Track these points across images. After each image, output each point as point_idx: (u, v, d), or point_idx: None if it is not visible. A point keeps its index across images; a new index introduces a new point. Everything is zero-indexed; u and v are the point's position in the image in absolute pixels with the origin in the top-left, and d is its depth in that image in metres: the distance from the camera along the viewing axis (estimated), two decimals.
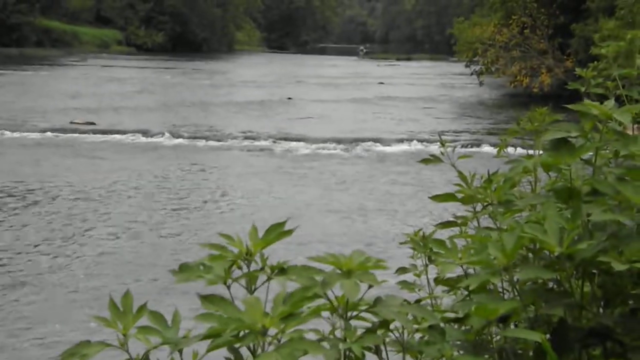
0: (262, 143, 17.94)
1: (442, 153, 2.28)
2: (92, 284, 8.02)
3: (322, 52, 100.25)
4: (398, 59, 74.86)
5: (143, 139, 17.96)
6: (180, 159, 15.74)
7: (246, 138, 18.34)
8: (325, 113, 24.17)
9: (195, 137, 18.27)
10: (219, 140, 18.07)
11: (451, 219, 2.16)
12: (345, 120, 22.50)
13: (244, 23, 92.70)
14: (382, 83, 38.70)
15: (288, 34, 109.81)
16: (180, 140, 17.99)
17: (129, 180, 13.32)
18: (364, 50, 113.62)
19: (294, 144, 17.85)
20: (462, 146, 17.19)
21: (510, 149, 2.42)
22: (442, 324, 1.65)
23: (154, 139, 18.01)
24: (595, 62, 2.27)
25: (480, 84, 32.86)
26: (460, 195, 2.09)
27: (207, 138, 18.24)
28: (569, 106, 1.99)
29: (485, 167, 2.13)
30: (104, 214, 10.91)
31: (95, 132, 18.46)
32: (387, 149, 17.64)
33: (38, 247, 9.27)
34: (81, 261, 8.81)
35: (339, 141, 18.06)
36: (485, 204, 2.05)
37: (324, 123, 21.79)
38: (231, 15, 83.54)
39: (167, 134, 18.38)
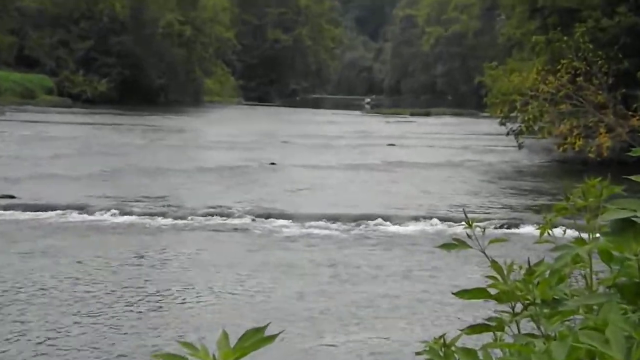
0: (237, 221, 17.95)
1: (469, 236, 2.31)
2: None
3: (316, 104, 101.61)
4: (412, 114, 75.99)
5: (79, 217, 17.94)
6: (128, 243, 15.69)
7: (216, 215, 18.37)
8: (319, 182, 24.31)
9: (149, 214, 18.28)
10: (180, 218, 18.07)
11: (482, 322, 2.15)
12: (345, 192, 22.60)
13: (214, 67, 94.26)
14: (392, 145, 39.08)
15: (271, 81, 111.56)
16: (129, 218, 17.98)
17: (55, 273, 13.21)
18: (370, 103, 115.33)
19: (277, 222, 17.88)
20: (495, 227, 17.21)
21: (557, 231, 2.43)
22: None
23: (93, 217, 17.99)
24: None
25: (519, 146, 33.29)
26: (493, 291, 2.10)
27: (165, 215, 18.25)
28: (635, 177, 2.01)
29: (524, 255, 2.14)
30: (16, 322, 10.78)
31: (14, 207, 18.44)
32: (399, 229, 17.66)
33: None
34: None
35: (336, 219, 18.10)
36: (526, 302, 2.05)
37: (316, 196, 21.87)
38: (198, 57, 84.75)
39: (112, 211, 18.39)
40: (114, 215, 18.20)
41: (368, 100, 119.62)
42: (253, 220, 18.08)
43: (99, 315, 10.99)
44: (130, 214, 18.30)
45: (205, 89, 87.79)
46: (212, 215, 18.39)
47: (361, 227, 17.70)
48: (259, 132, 44.53)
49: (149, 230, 17.14)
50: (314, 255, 15.23)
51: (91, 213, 18.29)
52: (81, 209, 18.50)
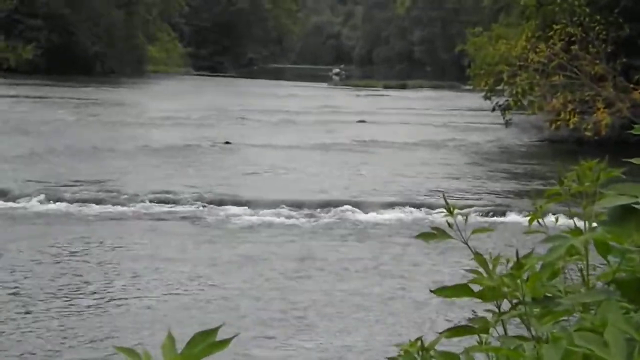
0: (185, 209, 17.90)
1: (449, 225, 2.30)
2: None
3: (277, 76, 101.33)
4: (386, 87, 76.11)
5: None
6: (58, 235, 15.57)
7: (161, 202, 18.28)
8: (280, 165, 24.28)
9: (83, 201, 18.14)
10: (120, 205, 17.97)
11: (465, 323, 2.16)
12: (309, 175, 22.60)
13: (159, 32, 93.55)
14: (363, 121, 39.08)
15: (225, 49, 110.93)
16: (59, 206, 17.83)
17: None
18: (339, 74, 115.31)
19: (232, 210, 17.85)
20: (479, 215, 17.38)
21: (549, 220, 2.45)
22: None
23: (16, 204, 17.80)
24: None
25: (507, 123, 33.52)
26: (476, 288, 2.10)
27: (101, 202, 18.13)
28: (636, 160, 2.02)
29: (512, 246, 2.15)
30: None
31: None
32: (371, 217, 17.72)
33: None
34: None
35: (299, 206, 18.11)
36: (514, 300, 2.06)
37: (277, 180, 21.85)
38: (140, 20, 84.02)
39: (38, 197, 18.23)
40: (41, 202, 18.01)
41: (336, 71, 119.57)
42: (204, 207, 18.03)
43: (22, 319, 10.89)
44: (60, 200, 18.12)
45: (148, 57, 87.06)
46: (156, 202, 18.28)
47: (328, 216, 17.72)
48: (211, 107, 44.30)
49: (82, 219, 17.00)
50: (274, 247, 15.22)
51: (14, 199, 18.07)
52: (2, 195, 18.30)
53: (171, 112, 39.84)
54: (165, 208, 17.97)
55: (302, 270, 13.72)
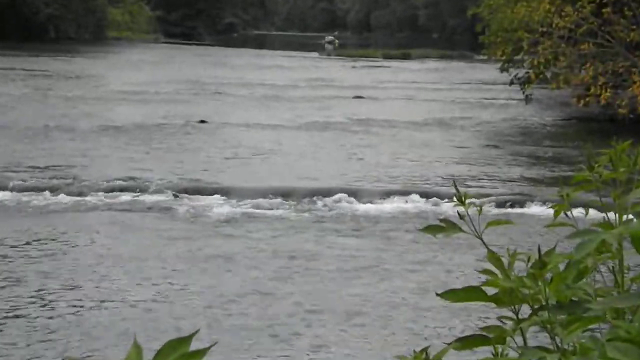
0: (154, 198, 17.89)
1: (460, 216, 2.30)
2: None
3: (260, 44, 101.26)
4: (386, 57, 76.16)
5: None
6: (4, 229, 15.54)
7: (126, 190, 18.29)
8: (264, 147, 24.29)
9: (34, 189, 18.13)
10: (77, 195, 17.95)
11: (478, 333, 2.16)
12: (298, 159, 22.62)
13: None
14: (360, 97, 39.13)
15: (199, 13, 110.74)
16: (5, 195, 17.84)
17: None
18: (332, 42, 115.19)
19: (208, 199, 17.87)
20: (495, 205, 17.44)
21: (576, 211, 2.44)
22: None
23: None
24: None
25: (527, 99, 33.48)
26: (491, 291, 2.10)
27: (56, 190, 18.11)
28: None
29: (533, 242, 2.15)
30: None
31: None
32: (369, 207, 17.75)
33: None
34: None
35: (286, 195, 18.14)
36: (536, 305, 2.05)
37: (261, 164, 21.86)
38: None
39: None
40: None
41: (329, 38, 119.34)
42: (175, 196, 18.03)
43: None
44: (5, 189, 18.13)
45: (110, 21, 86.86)
46: (120, 190, 18.29)
47: (319, 206, 17.73)
48: (183, 80, 44.26)
49: (33, 210, 16.99)
50: (257, 243, 15.21)
51: None
52: None
53: (137, 86, 39.79)
54: (130, 197, 17.95)
55: (289, 270, 13.71)
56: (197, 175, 19.82)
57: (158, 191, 18.31)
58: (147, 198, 17.97)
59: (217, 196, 18.07)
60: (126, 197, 17.98)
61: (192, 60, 63.60)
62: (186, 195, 18.13)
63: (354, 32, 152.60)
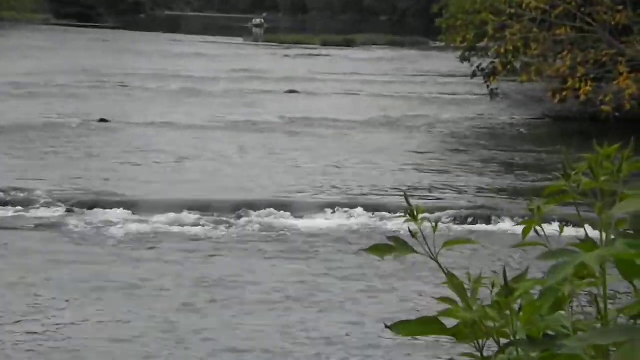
0: (42, 213, 17.81)
1: (412, 233, 2.31)
2: None
3: (174, 27, 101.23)
4: (325, 44, 76.18)
5: None
6: None
7: (7, 204, 18.18)
8: (179, 152, 24.20)
9: None
10: None
11: None
12: (220, 166, 22.58)
13: None
14: (294, 91, 39.15)
15: None
16: None
17: None
18: (261, 26, 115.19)
19: (110, 214, 17.81)
20: (454, 220, 17.59)
21: (550, 228, 2.46)
22: None
23: None
24: None
25: (492, 94, 33.75)
26: (450, 323, 2.10)
27: None
28: None
29: (499, 264, 2.17)
30: None
31: None
32: (304, 224, 17.78)
33: None
34: None
35: (204, 209, 18.14)
36: (504, 341, 2.06)
37: (174, 172, 21.78)
38: None
39: None
40: None
41: (258, 21, 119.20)
42: (69, 211, 17.93)
43: None
44: None
45: None
46: (1, 205, 18.16)
47: (244, 222, 17.71)
48: (79, 70, 43.99)
49: None
50: (167, 267, 15.15)
51: None
52: None
53: (22, 77, 39.47)
54: (13, 213, 17.82)
55: (205, 301, 13.66)
56: (97, 186, 19.67)
57: (48, 205, 18.18)
58: (35, 213, 17.82)
59: (120, 210, 17.98)
60: (8, 212, 17.83)
61: (90, 46, 63.26)
62: (83, 209, 18.01)
63: (287, 13, 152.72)
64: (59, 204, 18.22)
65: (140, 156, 23.41)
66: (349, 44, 76.92)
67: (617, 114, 26.50)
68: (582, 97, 27.63)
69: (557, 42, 28.10)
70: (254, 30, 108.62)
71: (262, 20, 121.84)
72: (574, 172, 2.27)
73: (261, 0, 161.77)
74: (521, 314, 2.04)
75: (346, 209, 18.38)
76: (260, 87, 40.44)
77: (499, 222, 17.53)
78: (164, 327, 12.47)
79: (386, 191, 20.10)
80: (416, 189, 20.18)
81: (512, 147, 26.95)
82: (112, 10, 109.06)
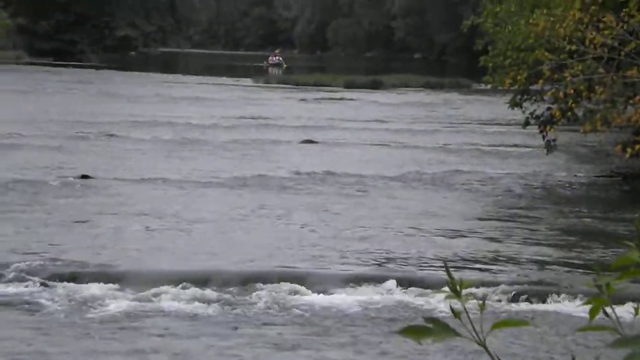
0: (13, 289, 17.95)
1: (454, 313, 2.30)
2: None
3: (170, 66, 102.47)
4: (349, 86, 76.85)
5: None
6: None
7: None
8: (174, 213, 24.43)
9: None
10: None
11: None
12: (222, 230, 22.75)
13: None
14: (310, 141, 39.44)
15: (80, 20, 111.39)
16: None
17: None
18: (281, 65, 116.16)
19: (93, 289, 17.90)
20: (505, 297, 17.62)
21: (622, 310, 2.55)
22: None
23: None
24: None
25: (549, 146, 33.70)
26: None
27: None
28: None
29: (560, 351, 2.05)
30: None
31: None
32: (324, 299, 17.84)
33: None
34: None
35: (204, 282, 18.23)
36: None
37: (168, 238, 21.92)
38: None
39: None
40: None
41: (276, 60, 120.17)
42: (44, 285, 18.00)
43: None
44: None
45: None
46: None
47: (253, 298, 17.74)
48: (59, 118, 44.47)
49: None
50: (159, 353, 15.07)
51: None
52: None
53: None
54: None
55: None
56: (77, 255, 19.74)
57: (18, 279, 18.25)
58: (2, 289, 17.83)
59: (105, 284, 18.02)
60: None
61: (72, 88, 63.89)
62: (60, 283, 18.06)
63: (304, 50, 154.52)
64: (31, 277, 18.27)
65: (127, 219, 23.53)
66: (376, 86, 77.53)
67: None
68: None
69: (627, 84, 28.16)
70: (270, 70, 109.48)
71: (281, 58, 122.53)
72: None
73: (273, 34, 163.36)
74: None
75: (374, 283, 18.40)
76: (271, 137, 40.74)
77: (558, 301, 17.52)
78: None
79: (422, 261, 20.11)
80: (459, 259, 20.19)
81: (574, 211, 27.05)
82: (96, 46, 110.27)
